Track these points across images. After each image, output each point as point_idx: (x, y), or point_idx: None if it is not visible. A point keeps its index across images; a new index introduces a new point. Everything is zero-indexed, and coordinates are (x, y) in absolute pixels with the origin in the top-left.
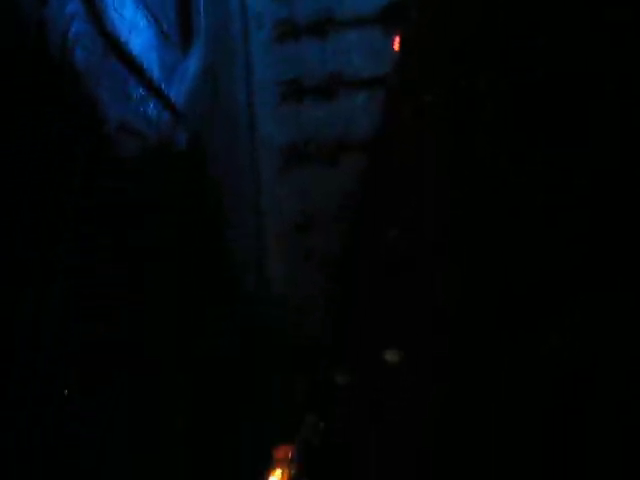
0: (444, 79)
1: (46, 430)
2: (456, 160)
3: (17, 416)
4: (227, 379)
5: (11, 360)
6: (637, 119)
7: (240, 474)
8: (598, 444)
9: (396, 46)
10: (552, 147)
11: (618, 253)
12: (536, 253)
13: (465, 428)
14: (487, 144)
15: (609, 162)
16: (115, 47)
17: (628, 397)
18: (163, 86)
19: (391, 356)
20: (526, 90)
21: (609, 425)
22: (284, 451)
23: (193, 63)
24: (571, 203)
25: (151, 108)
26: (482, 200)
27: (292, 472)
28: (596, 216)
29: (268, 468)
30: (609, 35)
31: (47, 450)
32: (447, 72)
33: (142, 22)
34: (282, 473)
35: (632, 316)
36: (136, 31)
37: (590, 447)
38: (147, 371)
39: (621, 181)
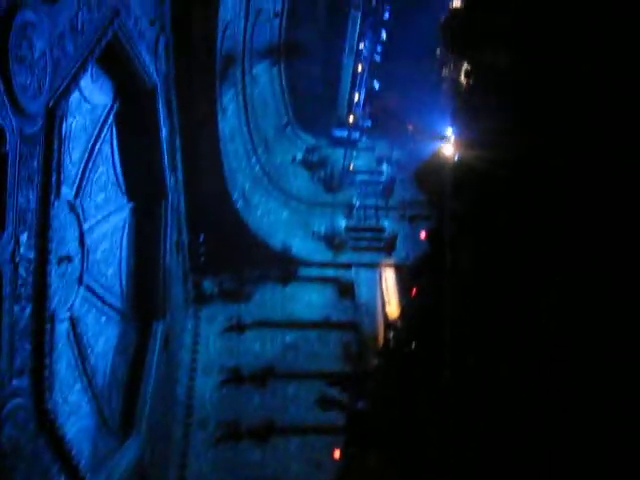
0: None
1: None
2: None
3: None
4: None
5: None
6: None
7: None
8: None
9: (337, 455)
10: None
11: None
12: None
13: None
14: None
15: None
16: (48, 429)
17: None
18: (88, 477)
19: None
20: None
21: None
22: None
23: (127, 456)
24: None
25: None
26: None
27: None
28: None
29: None
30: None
31: None
32: None
33: (85, 407)
34: None
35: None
36: (76, 416)
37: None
38: None
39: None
